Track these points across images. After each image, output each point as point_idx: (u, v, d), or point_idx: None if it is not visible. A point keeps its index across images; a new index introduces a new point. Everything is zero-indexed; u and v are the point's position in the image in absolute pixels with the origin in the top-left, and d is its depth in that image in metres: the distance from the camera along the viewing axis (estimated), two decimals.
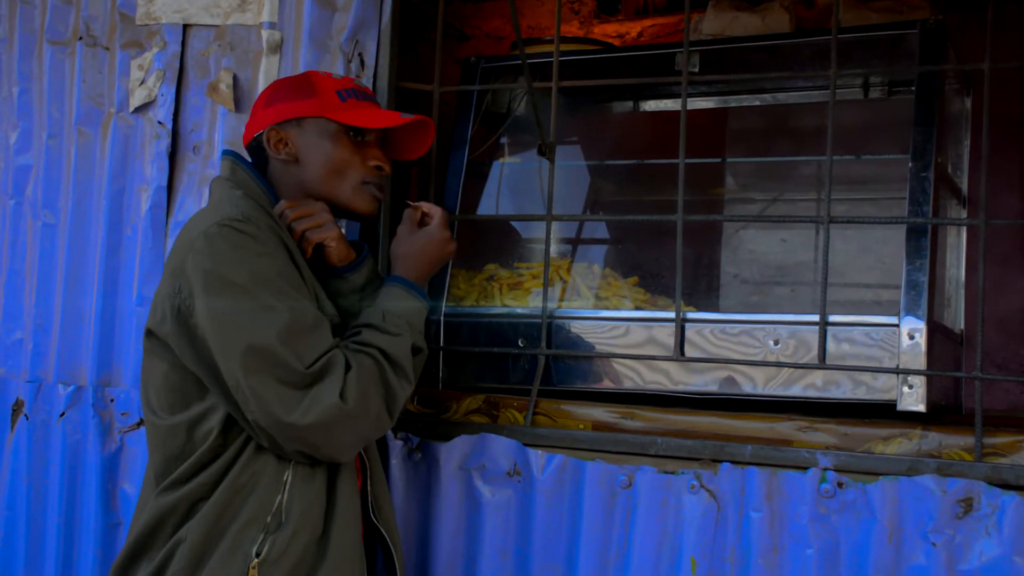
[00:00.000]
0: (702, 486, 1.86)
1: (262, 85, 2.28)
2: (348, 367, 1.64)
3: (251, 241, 1.62)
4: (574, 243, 2.61)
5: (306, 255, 1.76)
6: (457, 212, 2.34)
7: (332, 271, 1.81)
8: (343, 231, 1.84)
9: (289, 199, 1.81)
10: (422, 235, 1.90)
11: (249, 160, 1.87)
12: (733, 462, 1.85)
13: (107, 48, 2.45)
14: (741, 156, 2.60)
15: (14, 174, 2.52)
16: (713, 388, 2.06)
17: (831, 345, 1.96)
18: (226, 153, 1.85)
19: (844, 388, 1.97)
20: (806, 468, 1.80)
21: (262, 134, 1.83)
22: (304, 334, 1.62)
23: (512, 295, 2.28)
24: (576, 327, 2.17)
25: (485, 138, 2.50)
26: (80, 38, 2.47)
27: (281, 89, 1.87)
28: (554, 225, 2.19)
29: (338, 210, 1.85)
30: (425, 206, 1.93)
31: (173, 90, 2.36)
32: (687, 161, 2.03)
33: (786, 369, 2.00)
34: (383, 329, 1.73)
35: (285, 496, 1.65)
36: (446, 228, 1.92)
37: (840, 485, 1.78)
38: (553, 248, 2.19)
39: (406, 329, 1.76)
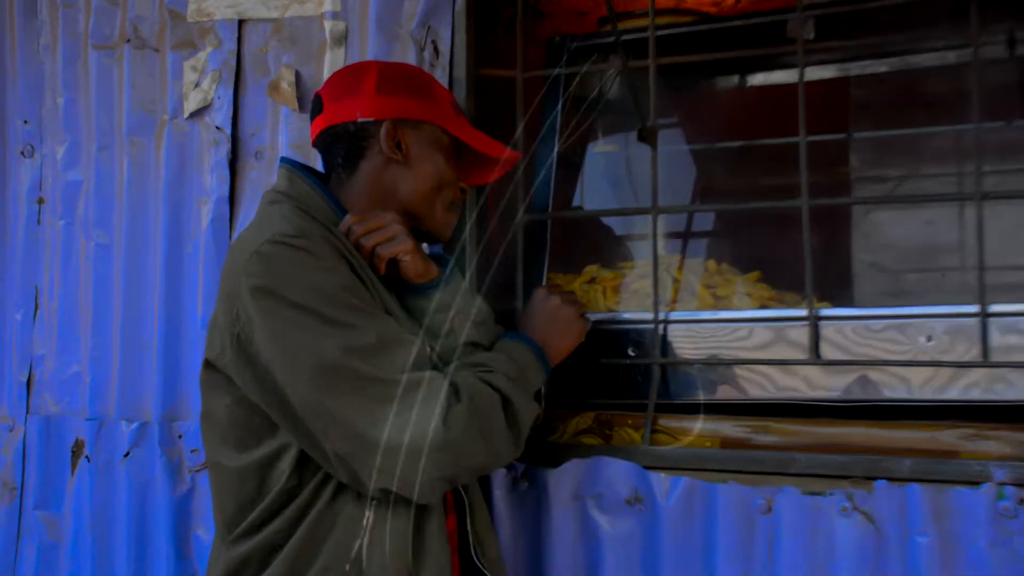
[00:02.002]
0: (855, 508, 1.74)
1: None
2: (457, 394, 1.59)
3: (308, 256, 1.58)
4: (684, 237, 2.55)
5: (379, 272, 1.70)
6: (550, 209, 2.27)
7: (412, 288, 1.73)
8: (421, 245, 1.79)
9: (362, 209, 1.75)
10: (564, 309, 1.89)
11: (307, 166, 1.82)
12: (890, 479, 1.73)
13: (157, 50, 2.42)
14: (868, 130, 2.50)
15: (63, 192, 2.49)
16: (858, 394, 1.93)
17: (995, 338, 1.82)
18: (283, 162, 1.80)
19: (1015, 388, 1.82)
20: (978, 483, 1.67)
21: (372, 123, 1.77)
22: (383, 348, 1.56)
23: (617, 298, 2.20)
24: (693, 331, 2.08)
25: (576, 126, 2.44)
26: (128, 41, 2.44)
27: (398, 80, 1.82)
28: (660, 219, 2.10)
29: (418, 232, 1.82)
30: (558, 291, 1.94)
31: (230, 92, 2.32)
32: (809, 139, 1.93)
33: (944, 369, 1.86)
34: (512, 377, 1.68)
35: (365, 541, 1.59)
36: (581, 308, 1.92)
37: (1022, 502, 1.64)
38: (661, 244, 2.14)
39: (532, 393, 1.74)
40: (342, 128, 1.78)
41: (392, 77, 1.81)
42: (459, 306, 1.74)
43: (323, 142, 1.81)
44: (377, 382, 1.53)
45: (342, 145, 1.78)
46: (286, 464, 1.60)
